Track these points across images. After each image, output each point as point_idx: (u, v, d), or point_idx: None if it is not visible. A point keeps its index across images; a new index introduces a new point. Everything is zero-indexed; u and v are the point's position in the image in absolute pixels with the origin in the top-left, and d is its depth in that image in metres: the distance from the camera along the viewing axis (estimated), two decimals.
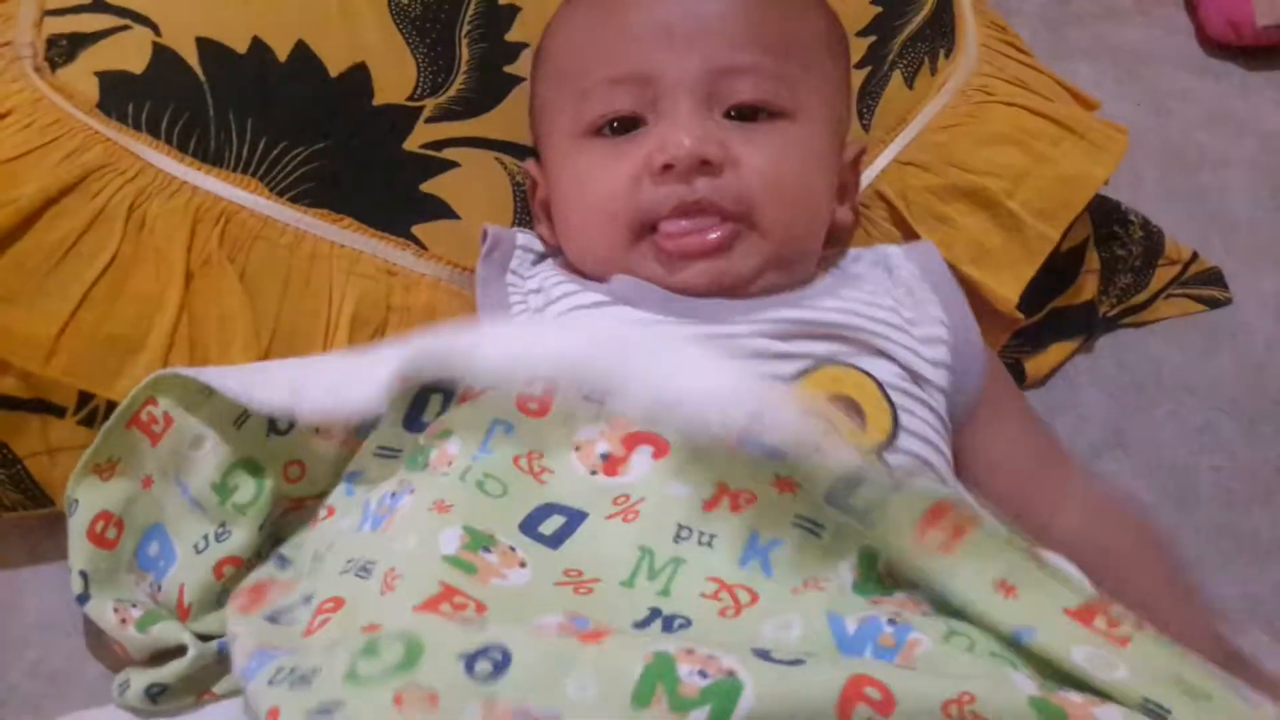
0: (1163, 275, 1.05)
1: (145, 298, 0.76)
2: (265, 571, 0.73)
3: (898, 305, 0.77)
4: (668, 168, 0.73)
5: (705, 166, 0.73)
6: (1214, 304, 1.05)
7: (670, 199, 0.73)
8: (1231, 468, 0.94)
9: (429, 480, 0.64)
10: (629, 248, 0.75)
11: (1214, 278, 1.07)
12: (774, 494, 0.62)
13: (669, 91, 0.74)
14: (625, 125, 0.76)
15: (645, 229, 0.75)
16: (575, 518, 0.62)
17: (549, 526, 0.62)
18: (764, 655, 0.51)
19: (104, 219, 0.76)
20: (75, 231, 0.76)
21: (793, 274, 0.77)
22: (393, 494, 0.64)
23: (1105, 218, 1.02)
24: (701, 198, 0.73)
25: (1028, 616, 0.55)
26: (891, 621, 0.56)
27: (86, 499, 0.72)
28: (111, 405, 0.75)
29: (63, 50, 0.80)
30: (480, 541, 0.60)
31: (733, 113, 0.75)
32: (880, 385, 0.71)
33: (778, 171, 0.74)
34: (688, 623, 0.57)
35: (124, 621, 0.72)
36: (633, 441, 0.64)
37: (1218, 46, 1.37)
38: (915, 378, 0.74)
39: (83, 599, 0.72)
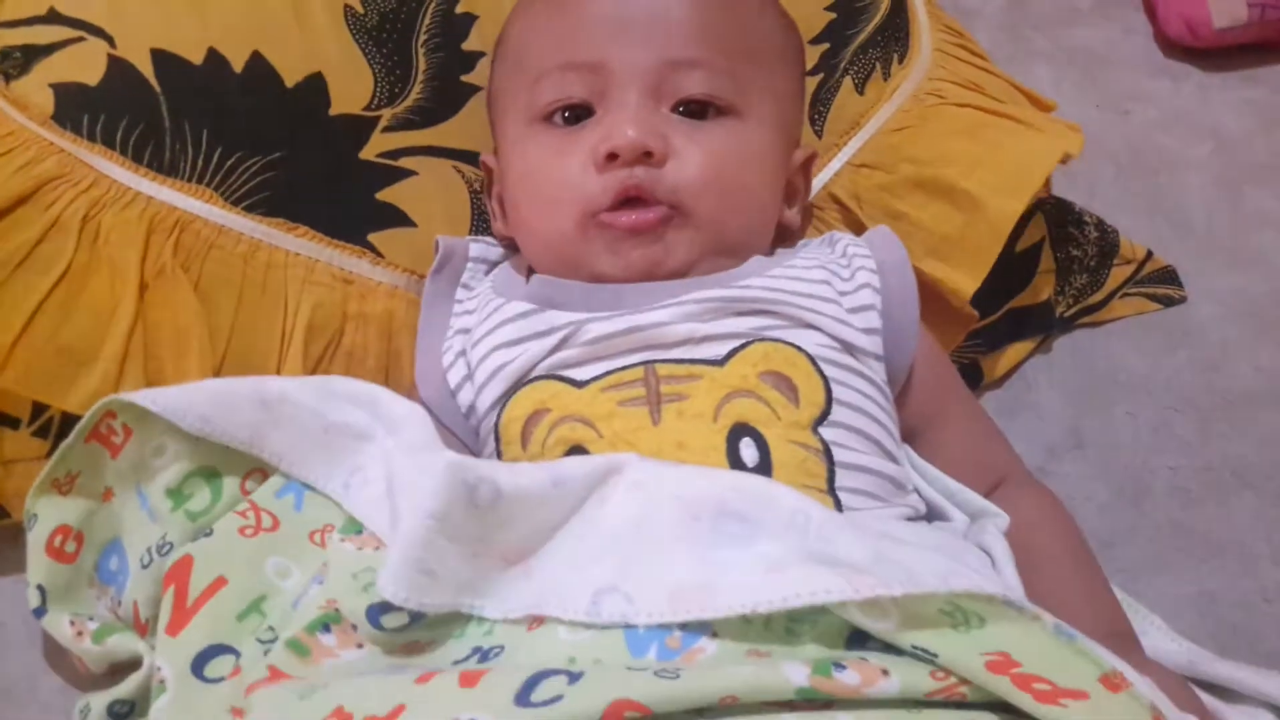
0: (1118, 275, 1.06)
1: (99, 308, 0.76)
2: None
3: (831, 276, 0.77)
4: (611, 157, 0.74)
5: (647, 157, 0.74)
6: (1169, 302, 1.07)
7: (612, 187, 0.74)
8: (1187, 467, 0.95)
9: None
10: (577, 236, 0.76)
11: (1169, 277, 1.08)
12: None
13: (618, 82, 0.76)
14: (576, 114, 0.78)
15: (590, 217, 0.76)
16: None
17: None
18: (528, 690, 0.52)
19: (58, 229, 0.77)
20: (29, 242, 0.76)
21: (725, 267, 0.78)
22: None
23: (1060, 218, 1.03)
24: (639, 183, 0.74)
25: None
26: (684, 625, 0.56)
27: (45, 513, 0.73)
28: (66, 416, 0.76)
29: (17, 62, 0.81)
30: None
31: (681, 108, 0.77)
32: (811, 358, 0.72)
33: (717, 166, 0.76)
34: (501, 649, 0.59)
35: (80, 634, 0.72)
36: None
37: (1176, 48, 1.38)
38: (848, 348, 0.74)
39: (39, 612, 0.73)
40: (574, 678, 0.52)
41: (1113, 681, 0.50)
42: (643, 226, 0.75)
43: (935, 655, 0.52)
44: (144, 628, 0.72)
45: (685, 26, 0.77)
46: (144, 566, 0.72)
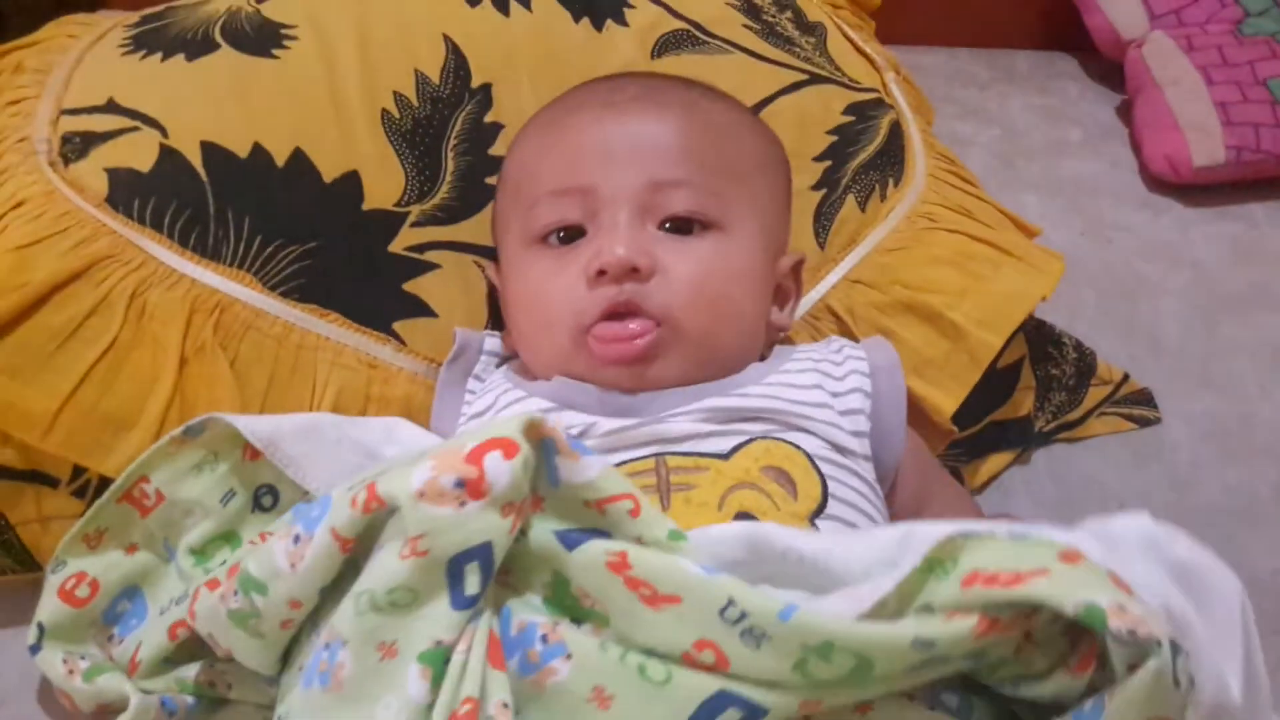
0: (1095, 394, 1.11)
1: (141, 380, 0.81)
2: None
3: (823, 378, 0.82)
4: (601, 273, 0.78)
5: (634, 274, 0.78)
6: (1144, 423, 1.12)
7: (600, 302, 0.79)
8: None
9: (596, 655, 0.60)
10: (571, 351, 0.80)
11: (1144, 398, 1.13)
12: None
13: (607, 204, 0.80)
14: (569, 235, 0.82)
15: (582, 332, 0.80)
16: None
17: None
18: None
19: (107, 305, 0.81)
20: (79, 315, 0.81)
21: (720, 372, 0.81)
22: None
23: (1040, 339, 1.08)
24: (628, 299, 0.78)
25: None
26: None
27: (71, 562, 0.77)
28: (104, 479, 0.80)
29: (76, 147, 0.86)
30: None
31: (667, 225, 0.81)
32: (809, 456, 0.76)
33: (702, 279, 0.80)
34: None
35: (71, 672, 0.75)
36: None
37: (1159, 183, 1.45)
38: (839, 449, 0.78)
39: (35, 649, 0.76)
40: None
41: (1069, 555, 0.53)
42: (630, 357, 0.79)
43: (931, 607, 0.54)
44: (135, 667, 0.75)
45: (668, 150, 0.82)
46: (161, 613, 0.76)
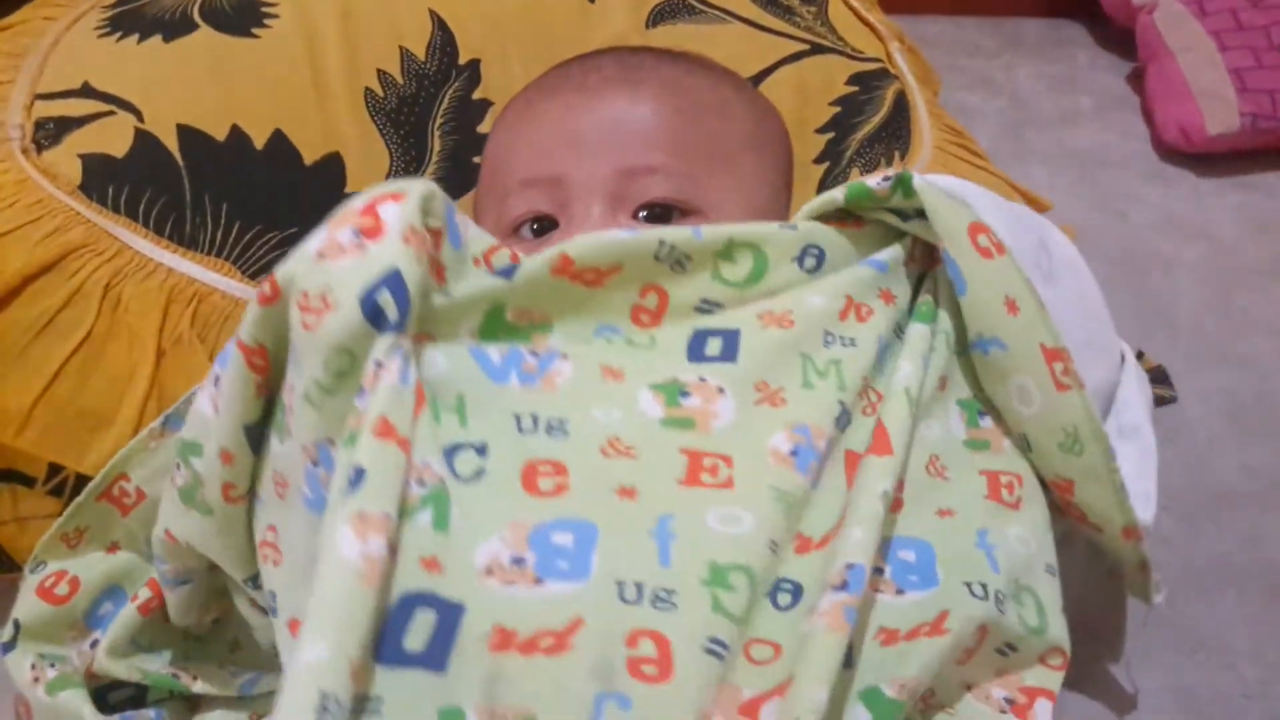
0: None
1: (117, 374, 0.78)
2: None
3: None
4: None
5: None
6: (1159, 402, 1.08)
7: None
8: (1172, 563, 0.96)
9: (579, 346, 0.65)
10: None
11: (1160, 376, 1.10)
12: (881, 305, 0.70)
13: (578, 195, 0.76)
14: (542, 226, 0.78)
15: None
16: (730, 335, 0.66)
17: (713, 348, 0.65)
18: None
19: (81, 297, 0.79)
20: (53, 308, 0.78)
21: None
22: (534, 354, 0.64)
23: None
24: None
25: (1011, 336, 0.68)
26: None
27: (52, 563, 0.74)
28: (81, 477, 0.78)
29: (49, 133, 0.84)
30: (671, 390, 0.63)
31: (644, 213, 0.76)
32: None
33: None
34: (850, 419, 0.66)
35: (36, 680, 0.72)
36: None
37: (1171, 153, 1.42)
38: None
39: (7, 647, 0.73)
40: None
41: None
42: None
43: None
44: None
45: (639, 135, 0.78)
46: (135, 600, 0.73)
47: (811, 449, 0.61)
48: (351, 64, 0.89)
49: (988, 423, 0.70)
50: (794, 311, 0.67)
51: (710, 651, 0.54)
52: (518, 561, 0.55)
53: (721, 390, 0.63)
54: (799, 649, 0.56)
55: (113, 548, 0.75)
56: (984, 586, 0.62)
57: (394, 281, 0.54)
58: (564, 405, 0.61)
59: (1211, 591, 0.94)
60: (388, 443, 0.52)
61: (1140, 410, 0.77)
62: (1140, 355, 1.10)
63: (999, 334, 0.68)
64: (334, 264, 0.55)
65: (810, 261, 0.69)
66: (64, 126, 0.84)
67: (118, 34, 0.90)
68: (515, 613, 0.53)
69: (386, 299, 0.54)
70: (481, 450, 0.58)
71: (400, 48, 0.90)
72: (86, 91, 0.86)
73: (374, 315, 0.54)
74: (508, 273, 0.62)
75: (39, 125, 0.84)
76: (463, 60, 0.91)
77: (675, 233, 0.65)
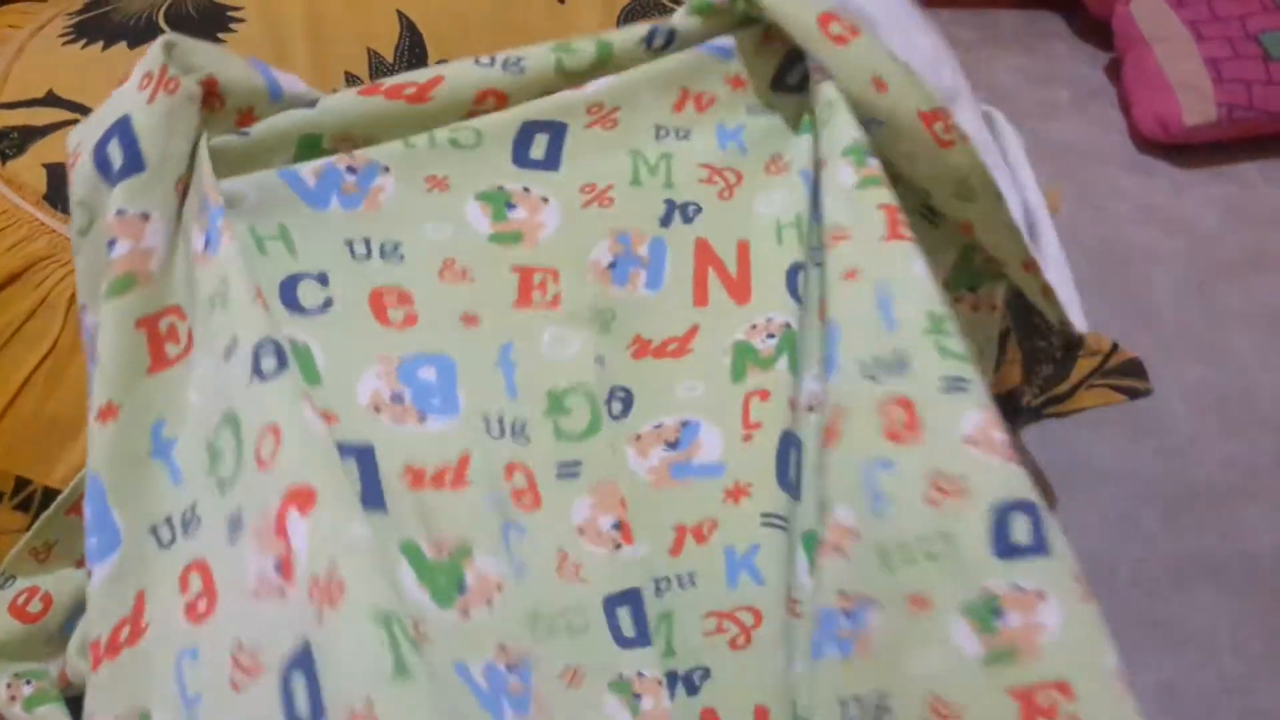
0: (1084, 366, 1.08)
1: (84, 385, 0.77)
2: None
3: None
4: None
5: None
6: (1134, 394, 1.08)
7: None
8: (1152, 557, 0.96)
9: (403, 154, 0.66)
10: None
11: (1135, 369, 1.10)
12: (728, 90, 0.70)
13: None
14: None
15: None
16: (557, 131, 0.67)
17: (537, 149, 0.66)
18: None
19: (46, 307, 0.78)
20: (18, 319, 0.77)
21: None
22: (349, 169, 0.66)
23: (1024, 309, 1.05)
24: None
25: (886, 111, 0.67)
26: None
27: (22, 579, 0.74)
28: (48, 491, 0.77)
29: (14, 143, 0.83)
30: (498, 201, 0.65)
31: None
32: None
33: None
34: (699, 208, 0.67)
35: (13, 699, 0.72)
36: None
37: (1150, 145, 1.42)
38: None
39: None
40: None
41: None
42: None
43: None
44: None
45: None
46: None
47: (631, 256, 0.63)
48: (319, 66, 0.87)
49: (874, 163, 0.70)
50: (621, 109, 0.68)
51: (563, 476, 0.58)
52: (397, 398, 0.57)
53: (546, 200, 0.65)
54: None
55: (81, 563, 0.75)
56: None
57: (123, 128, 0.57)
58: (393, 226, 0.62)
59: (1193, 587, 0.94)
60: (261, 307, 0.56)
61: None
62: (1115, 347, 1.10)
63: (874, 113, 0.68)
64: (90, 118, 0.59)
65: (659, 40, 0.70)
66: (28, 136, 0.83)
67: (82, 41, 0.89)
68: (415, 450, 0.56)
69: (114, 147, 0.57)
70: (324, 280, 0.59)
71: (368, 49, 0.89)
72: (51, 100, 0.84)
73: (103, 165, 0.57)
74: (311, 103, 0.63)
75: (3, 135, 0.83)
76: (432, 61, 0.90)
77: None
